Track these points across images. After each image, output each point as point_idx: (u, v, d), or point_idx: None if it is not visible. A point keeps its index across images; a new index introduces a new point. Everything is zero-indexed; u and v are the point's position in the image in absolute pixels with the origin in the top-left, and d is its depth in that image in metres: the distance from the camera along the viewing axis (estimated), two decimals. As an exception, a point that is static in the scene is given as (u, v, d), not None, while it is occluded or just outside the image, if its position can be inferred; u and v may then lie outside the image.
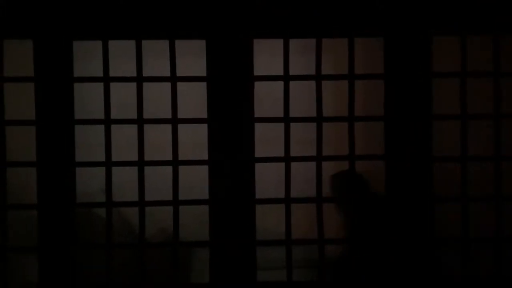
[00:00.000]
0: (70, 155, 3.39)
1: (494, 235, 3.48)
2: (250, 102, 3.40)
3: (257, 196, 3.42)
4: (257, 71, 3.42)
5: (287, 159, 3.43)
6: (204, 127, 3.43)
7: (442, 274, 3.46)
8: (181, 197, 3.44)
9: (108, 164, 3.41)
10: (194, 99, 4.34)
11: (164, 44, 3.43)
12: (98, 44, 3.43)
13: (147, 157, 3.43)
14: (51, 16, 3.36)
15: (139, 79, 3.40)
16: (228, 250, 3.42)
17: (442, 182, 3.75)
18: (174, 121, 3.41)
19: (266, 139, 4.38)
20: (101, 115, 3.42)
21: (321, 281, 3.47)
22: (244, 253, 3.42)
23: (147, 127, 3.45)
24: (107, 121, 3.40)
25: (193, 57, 4.28)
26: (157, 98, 4.58)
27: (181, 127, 3.43)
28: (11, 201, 3.46)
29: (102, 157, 3.42)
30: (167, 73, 3.43)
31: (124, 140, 4.46)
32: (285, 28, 3.41)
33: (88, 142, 4.33)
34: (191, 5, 3.38)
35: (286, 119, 3.43)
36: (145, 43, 3.42)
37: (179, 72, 3.44)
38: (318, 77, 3.44)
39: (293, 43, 3.45)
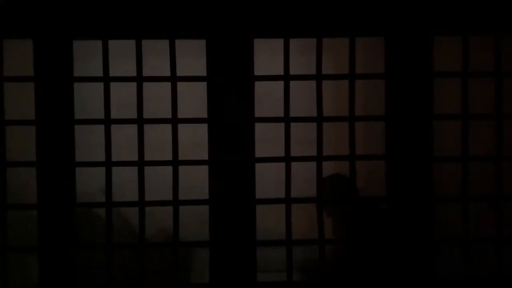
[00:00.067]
0: (70, 155, 3.38)
1: (495, 235, 3.48)
2: (250, 102, 3.40)
3: (257, 196, 3.42)
4: (257, 71, 3.42)
5: (287, 159, 3.43)
6: (204, 127, 3.42)
7: (442, 274, 3.46)
8: (181, 197, 3.43)
9: (108, 164, 3.41)
10: (194, 99, 4.34)
11: (164, 44, 3.43)
12: (98, 43, 3.42)
13: (147, 157, 3.43)
14: (51, 16, 3.36)
15: (139, 79, 3.40)
16: (228, 250, 3.41)
17: (442, 182, 3.75)
18: (174, 121, 3.41)
19: (266, 139, 4.38)
20: (101, 115, 3.41)
21: (321, 281, 3.46)
22: (244, 253, 3.41)
23: (147, 127, 3.45)
24: (107, 121, 3.40)
25: (193, 56, 4.28)
26: (157, 98, 4.58)
27: (181, 127, 3.43)
28: (11, 201, 3.45)
29: (102, 157, 3.42)
30: (167, 73, 3.43)
31: (124, 140, 4.46)
32: (285, 27, 3.41)
33: (88, 142, 4.33)
34: (191, 4, 3.38)
35: (286, 119, 3.42)
36: (145, 43, 3.41)
37: (179, 72, 3.44)
38: (318, 77, 3.44)
39: (294, 42, 3.45)
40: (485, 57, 3.61)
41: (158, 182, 4.26)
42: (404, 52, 3.41)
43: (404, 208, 3.43)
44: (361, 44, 3.69)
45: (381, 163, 3.45)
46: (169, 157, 3.42)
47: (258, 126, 3.43)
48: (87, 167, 3.42)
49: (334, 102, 4.79)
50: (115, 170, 3.42)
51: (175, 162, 3.42)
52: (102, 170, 3.41)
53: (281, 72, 3.43)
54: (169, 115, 3.41)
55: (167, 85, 3.42)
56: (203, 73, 3.42)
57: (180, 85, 3.44)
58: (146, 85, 3.41)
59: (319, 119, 3.44)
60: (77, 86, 3.39)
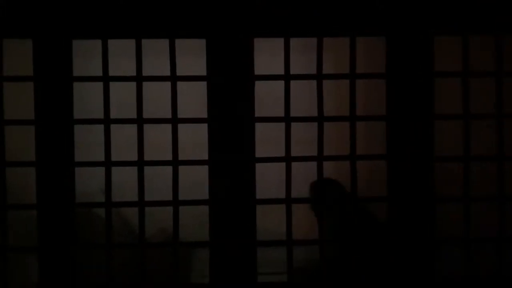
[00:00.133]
0: (70, 155, 3.38)
1: (496, 235, 3.47)
2: (251, 102, 3.39)
3: (258, 196, 3.42)
4: (258, 71, 3.41)
5: (288, 159, 3.42)
6: (204, 127, 3.42)
7: (442, 274, 3.46)
8: (181, 197, 3.43)
9: (108, 164, 3.40)
10: (194, 99, 4.33)
11: (164, 43, 3.42)
12: (98, 43, 3.42)
13: (147, 157, 3.42)
14: (50, 16, 3.35)
15: (139, 79, 3.39)
16: (228, 250, 3.41)
17: (443, 182, 3.74)
18: (174, 121, 3.40)
19: (267, 139, 4.37)
20: (100, 115, 3.41)
21: (321, 281, 3.46)
22: (244, 254, 3.41)
23: (147, 127, 3.44)
24: (107, 121, 3.39)
25: (193, 56, 4.27)
26: (157, 97, 4.57)
27: (181, 127, 3.43)
28: (11, 201, 3.45)
29: (101, 157, 3.41)
30: (167, 72, 3.42)
31: (124, 140, 4.45)
32: (285, 27, 3.40)
33: (87, 142, 4.32)
34: (191, 4, 3.37)
35: (287, 119, 3.41)
36: (145, 42, 3.41)
37: (179, 72, 3.43)
38: (319, 77, 3.43)
39: (294, 42, 3.44)
40: (486, 57, 3.60)
41: (158, 182, 4.26)
42: (405, 52, 3.41)
43: (405, 208, 3.42)
44: (362, 44, 3.68)
45: (382, 163, 3.45)
46: (169, 157, 3.41)
47: (259, 126, 3.42)
48: (87, 167, 3.41)
49: (335, 102, 4.78)
50: (114, 170, 3.41)
51: (175, 162, 3.41)
52: (101, 170, 3.41)
53: (281, 71, 3.42)
54: (169, 115, 3.41)
55: (167, 84, 3.42)
56: (203, 72, 3.41)
57: (180, 85, 3.43)
58: (146, 85, 3.40)
59: (320, 119, 3.43)
60: (76, 85, 3.39)
